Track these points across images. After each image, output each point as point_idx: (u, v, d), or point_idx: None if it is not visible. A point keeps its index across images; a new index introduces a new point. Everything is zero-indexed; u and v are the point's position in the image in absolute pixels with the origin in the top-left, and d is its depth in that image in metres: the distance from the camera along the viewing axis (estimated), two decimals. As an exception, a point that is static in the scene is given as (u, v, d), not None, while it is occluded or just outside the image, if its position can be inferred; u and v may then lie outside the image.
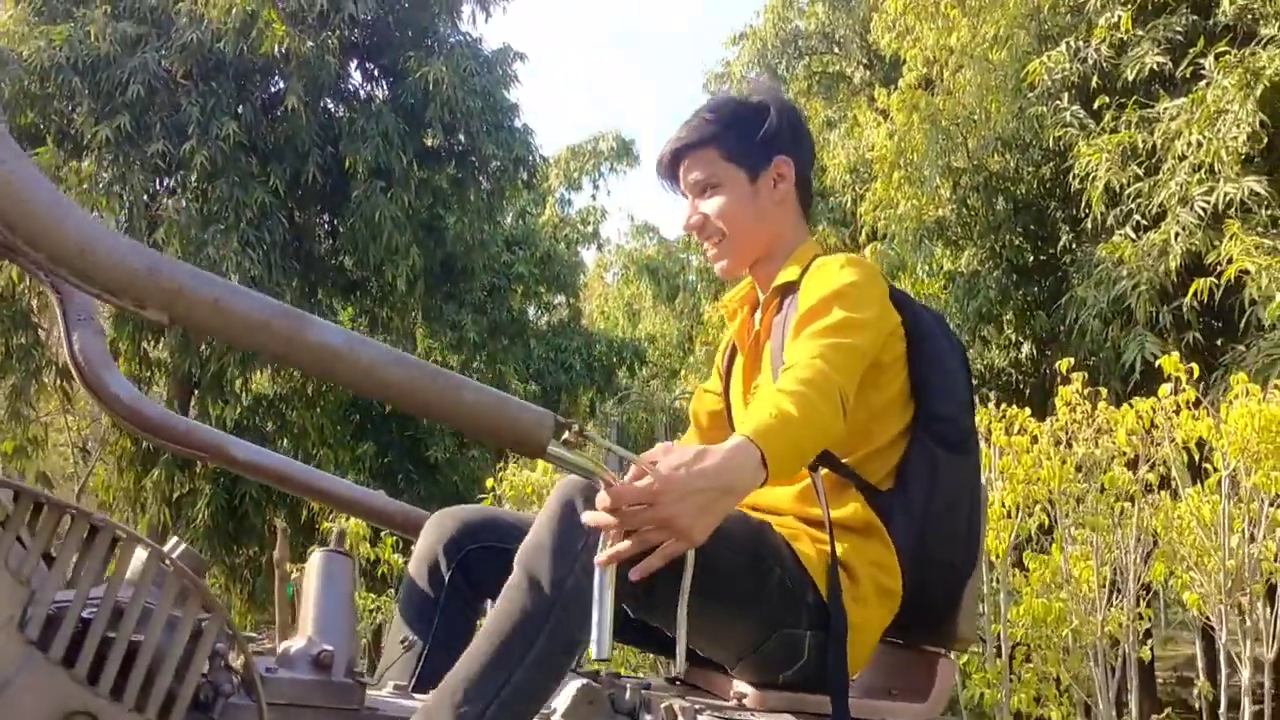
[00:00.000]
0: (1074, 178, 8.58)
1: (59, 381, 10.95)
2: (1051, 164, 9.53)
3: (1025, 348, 9.96)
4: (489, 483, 5.56)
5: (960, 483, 1.89)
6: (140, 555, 1.42)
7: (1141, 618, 4.47)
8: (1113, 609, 4.38)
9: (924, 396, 1.86)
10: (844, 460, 1.80)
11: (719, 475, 1.45)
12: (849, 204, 12.19)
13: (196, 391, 11.38)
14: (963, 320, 9.71)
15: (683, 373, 19.52)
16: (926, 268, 10.01)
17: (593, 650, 1.41)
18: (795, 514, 1.83)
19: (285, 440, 12.63)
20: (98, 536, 1.36)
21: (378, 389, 1.34)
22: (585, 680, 1.76)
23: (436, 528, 1.92)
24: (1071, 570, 4.46)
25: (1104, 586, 4.37)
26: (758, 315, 2.01)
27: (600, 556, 1.45)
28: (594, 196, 20.37)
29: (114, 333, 10.91)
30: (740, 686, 1.83)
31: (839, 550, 1.77)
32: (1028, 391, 9.77)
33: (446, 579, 1.87)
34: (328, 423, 12.28)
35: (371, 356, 1.33)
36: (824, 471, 1.78)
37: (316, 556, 1.76)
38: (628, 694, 1.80)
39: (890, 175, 9.92)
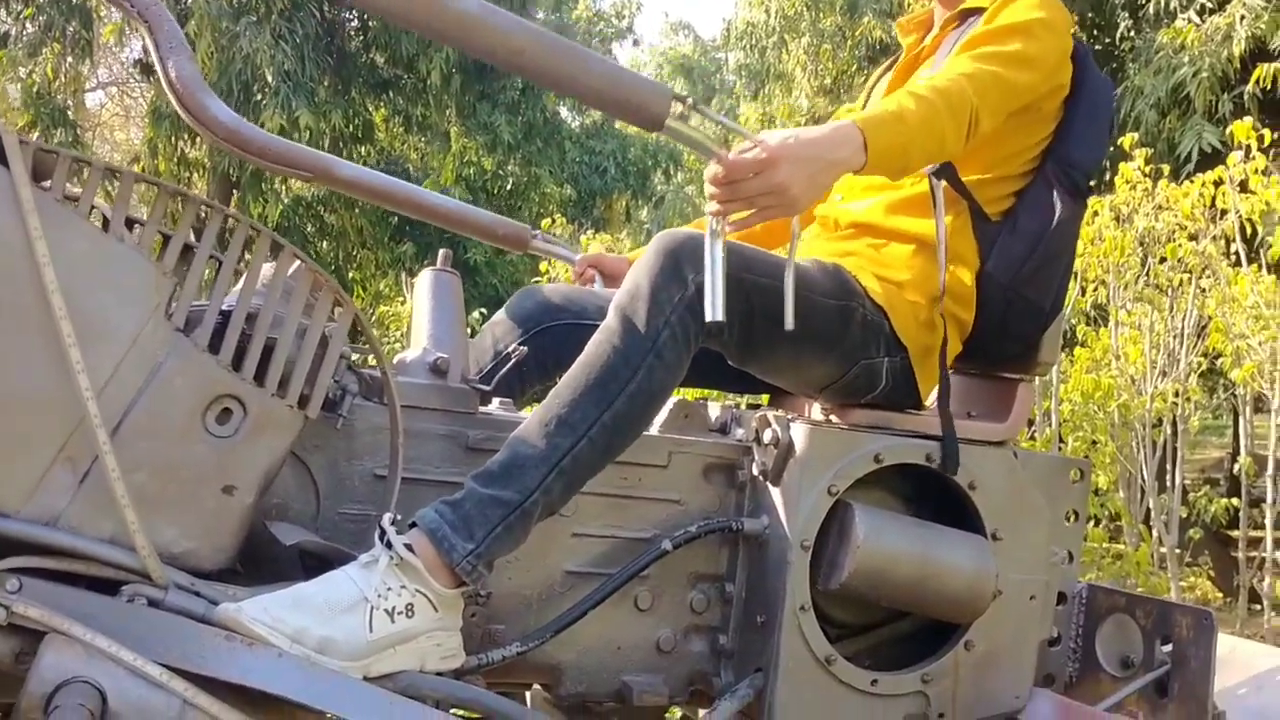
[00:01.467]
0: (1138, -42, 8.21)
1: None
2: (1114, -55, 9.09)
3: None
4: (542, 267, 5.61)
5: (1072, 229, 1.91)
6: (268, 262, 1.47)
7: (1188, 396, 4.53)
8: (1161, 385, 4.45)
9: (1067, 141, 1.86)
10: (964, 178, 1.81)
11: (822, 146, 1.49)
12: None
13: (236, 191, 11.40)
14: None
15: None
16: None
17: (707, 311, 1.46)
18: (882, 226, 1.86)
19: (325, 242, 12.71)
20: (234, 233, 1.41)
21: (508, 54, 1.35)
22: (680, 398, 1.84)
23: (515, 303, 1.98)
24: (1122, 348, 4.50)
25: (1154, 366, 4.42)
26: (929, 36, 2.01)
27: (713, 214, 1.49)
28: (628, -13, 19.59)
29: (151, 131, 10.86)
30: (820, 407, 1.90)
31: (911, 272, 1.81)
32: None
33: (510, 348, 1.91)
34: (366, 224, 12.31)
35: (506, 26, 1.34)
36: (943, 183, 1.79)
37: (426, 275, 1.82)
38: (718, 410, 1.88)
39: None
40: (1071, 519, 1.95)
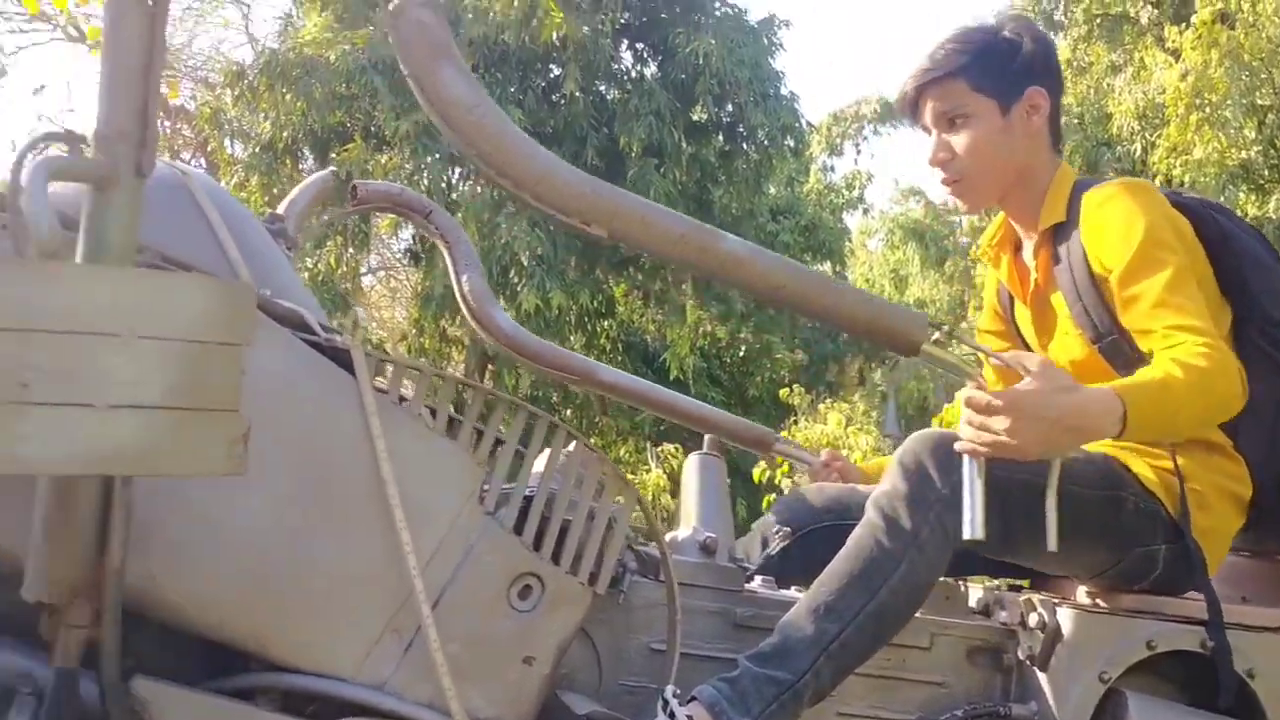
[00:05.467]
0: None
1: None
2: (1374, 93, 8.71)
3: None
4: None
5: None
6: (562, 450, 1.65)
7: None
8: None
9: (1247, 298, 1.83)
10: None
11: (1072, 413, 1.50)
12: (1138, 152, 11.53)
13: (491, 365, 12.19)
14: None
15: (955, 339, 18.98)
16: (1229, 215, 9.33)
17: (965, 530, 1.52)
18: None
19: (569, 409, 13.30)
20: (535, 428, 1.60)
21: (771, 291, 1.50)
22: (941, 580, 1.88)
23: (781, 505, 2.06)
24: None
25: None
26: (1028, 258, 1.97)
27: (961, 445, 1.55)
28: (856, 160, 19.99)
29: (417, 312, 11.83)
30: (1086, 590, 1.89)
31: (1181, 458, 1.80)
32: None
33: (777, 551, 1.96)
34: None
35: (768, 264, 1.49)
36: None
37: (693, 458, 1.96)
38: (980, 592, 1.90)
39: (1186, 118, 9.31)
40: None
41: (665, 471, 6.34)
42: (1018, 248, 2.02)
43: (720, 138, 12.48)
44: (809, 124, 13.87)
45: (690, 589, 1.75)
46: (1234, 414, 1.67)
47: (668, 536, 1.86)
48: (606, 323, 12.73)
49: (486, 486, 1.56)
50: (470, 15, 11.10)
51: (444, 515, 1.53)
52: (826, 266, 17.08)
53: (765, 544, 2.00)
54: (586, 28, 11.04)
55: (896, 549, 1.61)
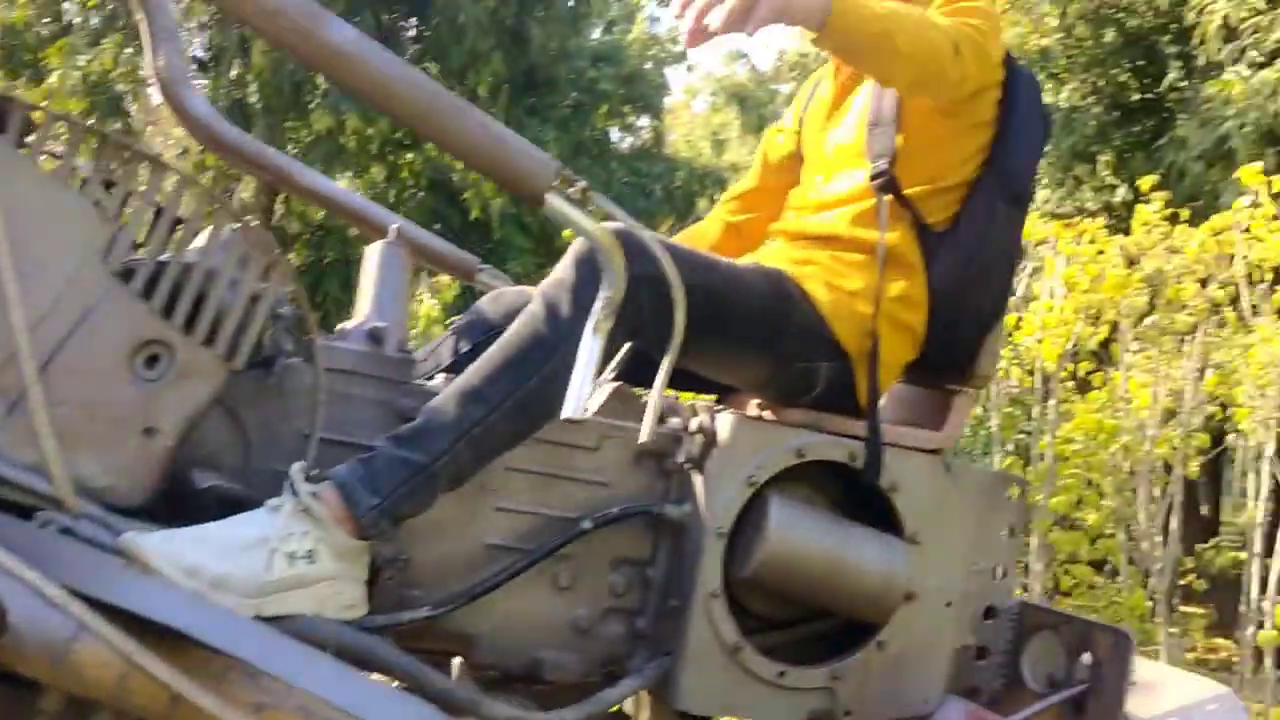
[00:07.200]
0: (1190, 9, 8.17)
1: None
2: (1169, -6, 9.08)
3: (1120, 191, 9.64)
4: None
5: (1011, 236, 1.96)
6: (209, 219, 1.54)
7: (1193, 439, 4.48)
8: (1166, 430, 4.40)
9: (1003, 147, 1.90)
10: (906, 192, 1.86)
11: None
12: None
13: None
14: (1055, 158, 9.45)
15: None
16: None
17: (567, 405, 1.48)
18: (844, 237, 1.90)
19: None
20: (171, 186, 1.49)
21: (383, 99, 1.38)
22: (620, 383, 1.88)
23: (480, 304, 2.01)
24: (1129, 391, 4.47)
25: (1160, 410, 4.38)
26: None
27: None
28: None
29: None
30: (756, 403, 1.93)
31: (864, 281, 1.84)
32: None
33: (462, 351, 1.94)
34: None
35: (380, 64, 1.37)
36: (888, 197, 1.86)
37: (375, 246, 1.88)
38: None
39: None
40: (1008, 535, 1.97)
41: (440, 302, 6.21)
42: None
43: (541, -30, 12.03)
44: (635, -33, 13.50)
45: (352, 377, 1.69)
46: (946, 83, 1.73)
47: (339, 326, 1.79)
48: (410, 155, 12.28)
49: (114, 246, 1.44)
50: None
51: (60, 270, 1.41)
52: (645, 121, 16.94)
53: (456, 349, 1.97)
54: None
55: (552, 338, 1.58)
